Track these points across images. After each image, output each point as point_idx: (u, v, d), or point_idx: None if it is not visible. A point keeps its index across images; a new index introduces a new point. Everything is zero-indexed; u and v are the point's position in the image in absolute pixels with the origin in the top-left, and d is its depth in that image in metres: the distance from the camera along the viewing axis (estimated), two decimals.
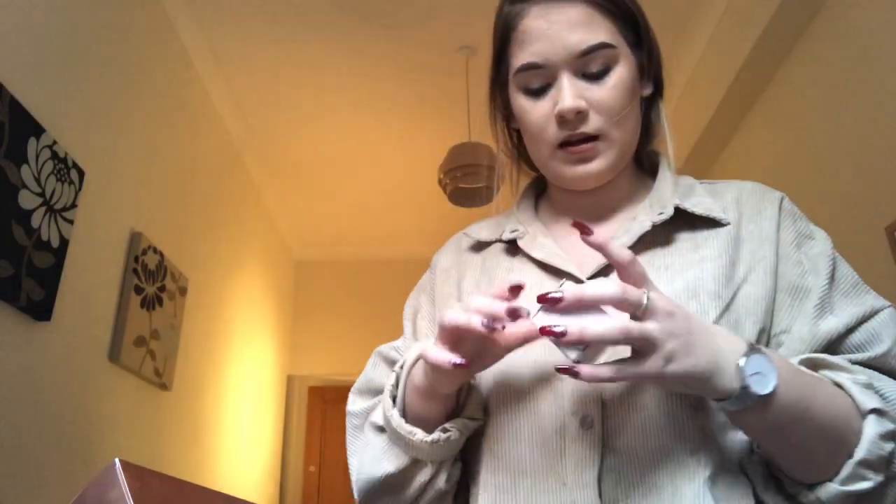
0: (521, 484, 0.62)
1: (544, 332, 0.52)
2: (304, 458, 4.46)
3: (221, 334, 3.18)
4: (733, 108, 2.75)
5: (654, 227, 0.68)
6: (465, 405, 0.66)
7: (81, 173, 1.88)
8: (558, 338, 0.51)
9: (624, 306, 0.52)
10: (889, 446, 0.56)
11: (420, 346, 0.65)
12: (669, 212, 0.69)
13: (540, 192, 0.84)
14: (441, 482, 0.65)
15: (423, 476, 0.64)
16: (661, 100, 0.78)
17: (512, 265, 0.74)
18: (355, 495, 0.69)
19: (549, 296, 0.52)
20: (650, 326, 0.51)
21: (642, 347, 0.52)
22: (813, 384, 0.58)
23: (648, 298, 0.52)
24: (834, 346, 0.63)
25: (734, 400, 0.54)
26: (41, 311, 1.68)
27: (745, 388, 0.53)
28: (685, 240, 0.69)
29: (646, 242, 0.68)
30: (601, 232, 0.72)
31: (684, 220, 0.70)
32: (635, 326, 0.51)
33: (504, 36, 0.73)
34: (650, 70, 0.74)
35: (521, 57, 0.69)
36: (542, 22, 0.68)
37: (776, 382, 0.54)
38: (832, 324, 0.63)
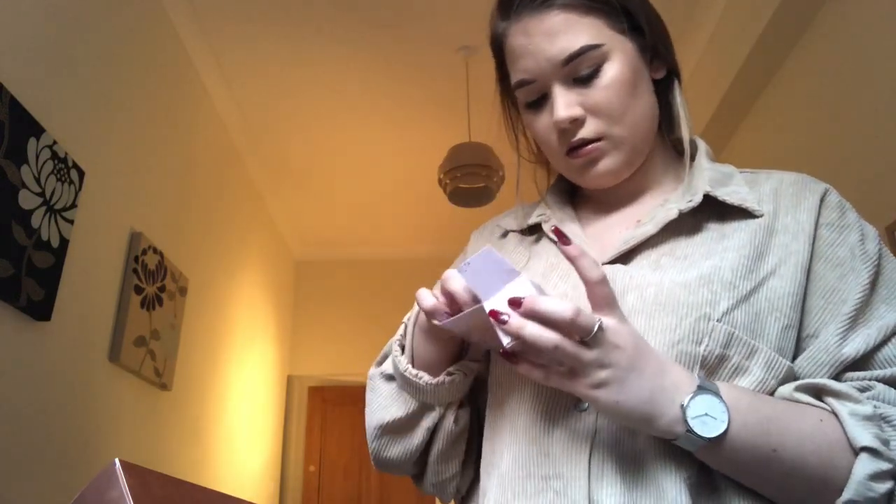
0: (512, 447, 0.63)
1: (492, 314, 0.53)
2: (304, 458, 4.46)
3: (221, 334, 3.18)
4: (732, 110, 2.75)
5: (682, 215, 0.66)
6: (469, 348, 0.68)
7: (81, 173, 1.88)
8: (500, 324, 0.53)
9: (571, 330, 0.51)
10: (882, 487, 0.53)
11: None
12: (698, 199, 0.66)
13: None
14: (449, 423, 0.67)
15: (429, 421, 0.67)
16: (676, 80, 0.76)
17: (533, 250, 0.75)
18: (368, 445, 0.72)
19: (512, 298, 0.53)
20: (585, 353, 0.51)
21: (572, 368, 0.53)
22: (788, 420, 0.55)
23: (600, 328, 0.51)
24: (859, 363, 0.60)
25: (681, 441, 0.53)
26: (41, 310, 1.68)
27: (689, 432, 0.52)
28: (712, 230, 0.66)
29: (671, 230, 0.66)
30: (631, 215, 0.72)
31: (716, 210, 0.67)
32: (569, 348, 0.51)
33: (498, 54, 0.74)
34: (657, 52, 0.72)
35: (514, 75, 0.70)
36: (523, 38, 0.68)
37: (727, 425, 0.52)
38: (857, 345, 0.59)
